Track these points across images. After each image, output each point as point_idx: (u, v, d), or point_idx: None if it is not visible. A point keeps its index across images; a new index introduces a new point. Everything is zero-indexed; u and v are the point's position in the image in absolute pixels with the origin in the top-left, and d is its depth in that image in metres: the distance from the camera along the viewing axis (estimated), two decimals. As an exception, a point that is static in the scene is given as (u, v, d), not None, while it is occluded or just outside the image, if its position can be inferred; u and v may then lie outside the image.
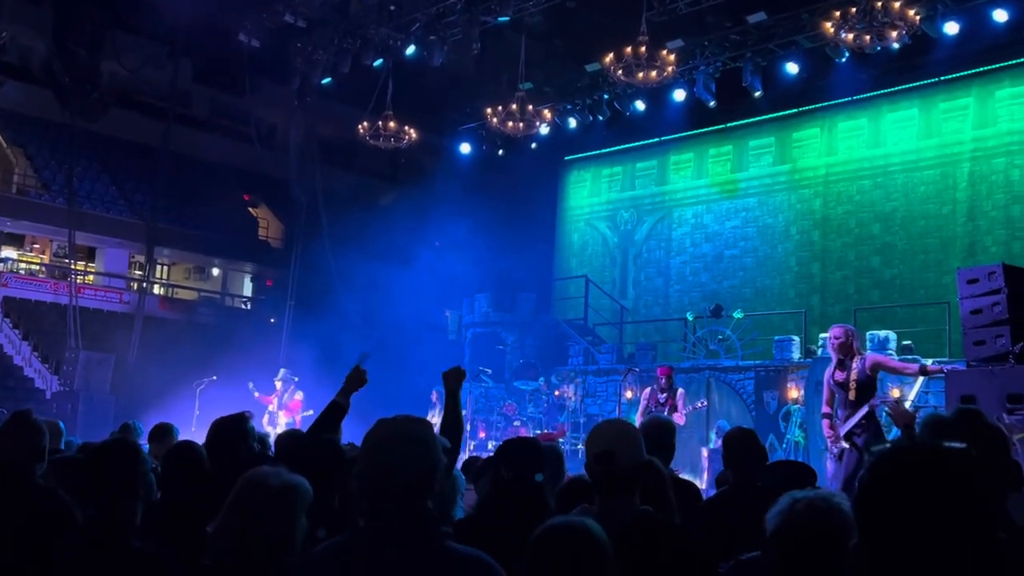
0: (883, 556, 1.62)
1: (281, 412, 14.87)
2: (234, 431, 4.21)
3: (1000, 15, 13.69)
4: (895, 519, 1.61)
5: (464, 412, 17.88)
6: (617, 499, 3.05)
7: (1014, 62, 16.17)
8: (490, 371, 17.43)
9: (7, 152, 26.33)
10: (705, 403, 11.30)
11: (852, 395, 8.37)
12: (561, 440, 16.23)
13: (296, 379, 15.37)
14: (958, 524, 1.59)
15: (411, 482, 2.36)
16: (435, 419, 15.47)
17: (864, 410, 8.37)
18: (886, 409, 8.59)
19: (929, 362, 10.70)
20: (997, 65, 16.37)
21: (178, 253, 28.32)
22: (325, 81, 19.31)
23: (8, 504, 3.47)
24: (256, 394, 15.06)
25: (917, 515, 1.59)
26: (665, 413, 10.42)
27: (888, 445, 1.75)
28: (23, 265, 28.24)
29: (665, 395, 10.76)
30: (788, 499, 2.45)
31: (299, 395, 15.07)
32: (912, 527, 1.59)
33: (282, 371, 15.55)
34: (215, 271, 31.29)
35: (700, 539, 3.42)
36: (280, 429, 13.84)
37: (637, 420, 11.13)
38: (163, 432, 6.35)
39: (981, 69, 16.60)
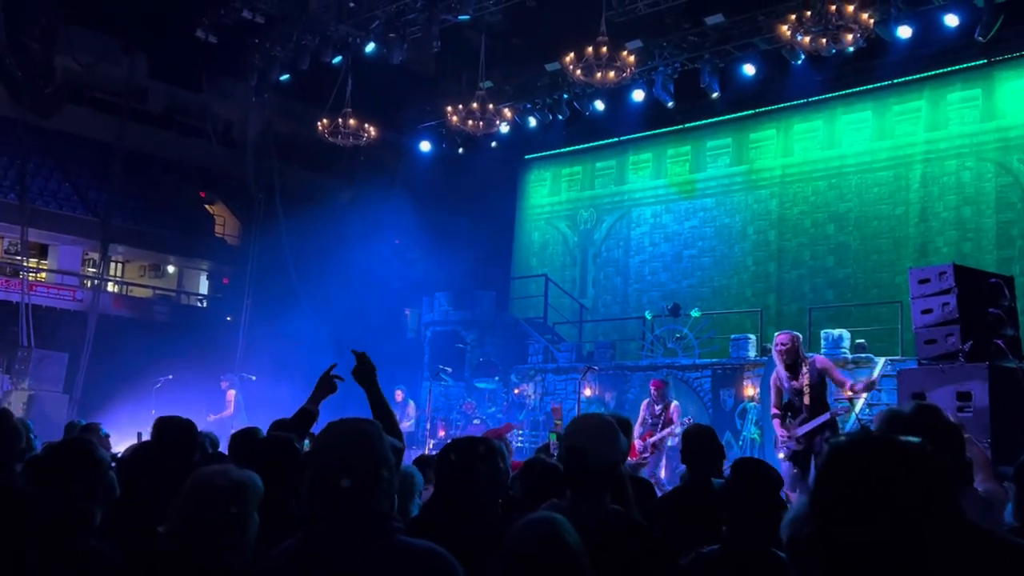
0: (835, 545, 1.66)
1: None
2: (185, 431, 4.19)
3: (951, 19, 13.94)
4: (847, 508, 1.65)
5: (424, 411, 17.76)
6: (588, 498, 3.04)
7: (964, 66, 16.47)
8: (450, 370, 17.42)
9: (-44, 148, 25.76)
10: (691, 420, 11.71)
11: (807, 400, 8.57)
12: (519, 433, 16.31)
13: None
14: (909, 515, 1.64)
15: (361, 480, 2.36)
16: (404, 423, 15.41)
17: (825, 417, 8.57)
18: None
19: (877, 369, 11.04)
20: (948, 69, 16.67)
21: (133, 250, 27.92)
22: (283, 78, 19.15)
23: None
24: None
25: (868, 504, 1.63)
26: (660, 425, 10.99)
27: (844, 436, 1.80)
28: (-27, 263, 27.65)
29: (660, 407, 11.15)
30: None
31: None
32: (863, 517, 1.63)
33: None
34: (171, 269, 30.88)
35: (661, 535, 3.47)
36: None
37: (635, 431, 11.38)
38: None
39: (933, 73, 16.89)
